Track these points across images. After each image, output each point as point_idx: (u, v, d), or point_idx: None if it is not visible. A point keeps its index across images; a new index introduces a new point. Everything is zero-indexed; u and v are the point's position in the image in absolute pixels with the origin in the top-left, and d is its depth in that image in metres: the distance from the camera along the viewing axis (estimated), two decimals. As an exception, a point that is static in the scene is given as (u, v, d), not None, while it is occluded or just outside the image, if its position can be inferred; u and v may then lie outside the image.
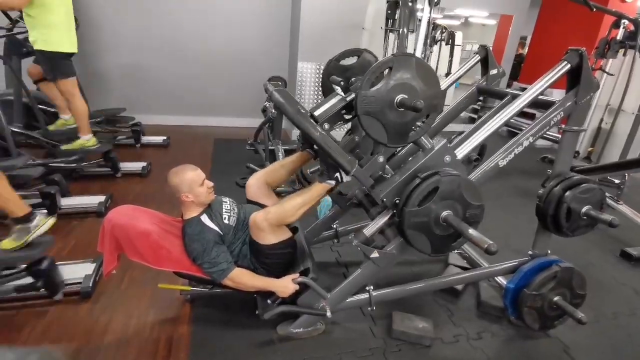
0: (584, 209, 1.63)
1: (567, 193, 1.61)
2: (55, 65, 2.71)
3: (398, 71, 1.27)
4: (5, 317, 1.65)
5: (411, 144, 1.51)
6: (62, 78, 2.75)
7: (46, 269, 1.69)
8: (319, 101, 1.52)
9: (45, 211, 1.81)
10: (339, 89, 1.52)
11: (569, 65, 1.56)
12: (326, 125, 1.43)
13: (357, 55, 1.74)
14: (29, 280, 1.70)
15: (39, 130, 3.06)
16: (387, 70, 1.27)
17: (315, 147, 1.71)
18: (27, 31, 2.65)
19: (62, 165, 2.92)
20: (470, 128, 1.87)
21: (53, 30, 2.62)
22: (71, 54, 2.81)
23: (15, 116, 2.97)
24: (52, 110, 3.27)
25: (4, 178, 1.66)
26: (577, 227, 1.68)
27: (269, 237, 1.55)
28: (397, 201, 1.45)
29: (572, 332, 1.84)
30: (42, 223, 1.76)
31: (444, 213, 1.41)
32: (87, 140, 2.96)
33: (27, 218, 1.72)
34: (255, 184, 1.78)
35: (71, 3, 2.77)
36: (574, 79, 1.59)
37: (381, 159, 1.46)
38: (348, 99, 1.45)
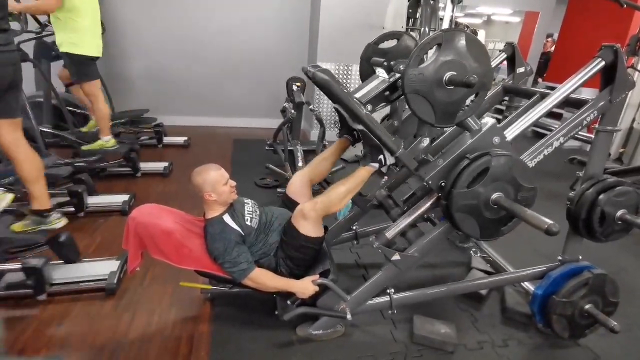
0: (618, 213, 1.55)
1: (601, 196, 1.53)
2: (81, 68, 2.79)
3: (447, 48, 1.22)
4: (33, 313, 1.70)
5: (452, 129, 1.46)
6: (86, 80, 2.83)
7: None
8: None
9: (59, 214, 1.98)
10: (382, 71, 1.49)
11: (603, 62, 1.49)
12: (369, 107, 1.40)
13: (397, 39, 1.71)
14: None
15: (68, 131, 3.16)
16: (435, 47, 1.23)
17: (354, 132, 1.69)
18: (54, 34, 2.75)
19: (85, 165, 3.00)
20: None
21: (80, 34, 2.71)
22: (95, 58, 2.90)
23: (44, 117, 3.08)
24: (79, 111, 3.38)
25: (43, 175, 1.81)
26: (612, 231, 1.60)
27: (310, 229, 1.55)
28: (443, 184, 1.41)
29: (603, 340, 1.76)
30: (54, 222, 1.89)
31: (495, 195, 1.36)
32: (106, 141, 3.04)
33: (45, 214, 1.86)
34: (300, 181, 1.78)
35: (98, 9, 2.86)
36: (608, 77, 1.52)
37: (426, 141, 1.43)
38: (391, 80, 1.42)
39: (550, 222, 1.16)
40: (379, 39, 1.71)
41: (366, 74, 1.71)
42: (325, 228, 1.76)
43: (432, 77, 1.23)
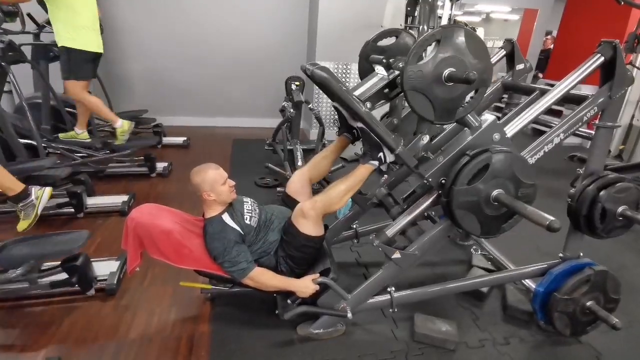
0: (619, 209, 1.55)
1: (602, 192, 1.53)
2: (75, 64, 2.77)
3: (446, 44, 1.21)
4: (34, 314, 1.70)
5: (452, 126, 1.46)
6: (73, 79, 2.80)
7: (81, 266, 1.72)
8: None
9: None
10: (381, 68, 1.48)
11: (602, 58, 1.48)
12: (368, 104, 1.40)
13: (396, 36, 1.70)
14: (63, 276, 1.73)
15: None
16: (434, 43, 1.22)
17: (354, 130, 1.69)
18: (51, 34, 2.75)
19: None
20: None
21: (81, 31, 2.73)
22: (98, 55, 2.90)
23: (43, 118, 3.07)
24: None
25: None
26: (612, 228, 1.59)
27: (310, 228, 1.55)
28: (443, 181, 1.41)
29: (605, 337, 1.75)
30: (41, 194, 1.77)
31: (495, 192, 1.36)
32: (120, 126, 3.03)
33: (25, 194, 1.73)
34: (299, 180, 1.77)
35: (96, 7, 2.86)
36: (607, 73, 1.52)
37: (426, 138, 1.42)
38: (391, 77, 1.41)
39: (551, 218, 1.15)
40: (377, 37, 1.70)
41: (365, 71, 1.70)
42: (326, 227, 1.76)
43: (431, 73, 1.22)
